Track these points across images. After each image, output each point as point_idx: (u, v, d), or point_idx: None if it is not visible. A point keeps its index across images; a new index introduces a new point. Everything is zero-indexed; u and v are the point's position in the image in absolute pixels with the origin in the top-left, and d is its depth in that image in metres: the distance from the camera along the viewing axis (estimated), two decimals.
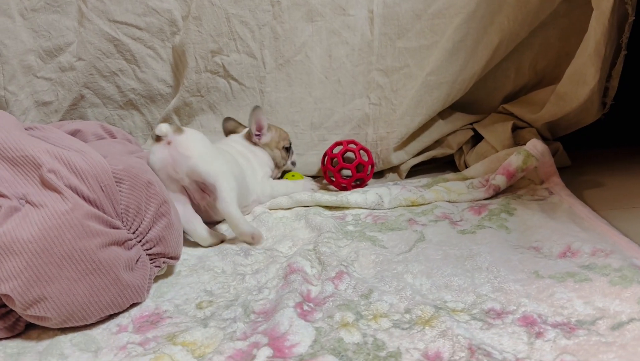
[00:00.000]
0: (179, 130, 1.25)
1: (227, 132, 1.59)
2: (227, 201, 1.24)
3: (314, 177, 1.72)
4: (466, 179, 1.53)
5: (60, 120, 1.70)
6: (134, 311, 1.03)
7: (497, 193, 1.39)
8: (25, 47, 1.61)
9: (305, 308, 0.97)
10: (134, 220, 1.04)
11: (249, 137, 1.55)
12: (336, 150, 1.58)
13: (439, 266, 1.07)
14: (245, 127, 1.58)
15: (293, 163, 1.64)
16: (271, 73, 1.68)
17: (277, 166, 1.59)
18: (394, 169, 1.70)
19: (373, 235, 1.25)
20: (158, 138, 1.23)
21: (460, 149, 1.68)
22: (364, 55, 1.64)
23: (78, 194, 0.96)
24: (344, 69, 1.66)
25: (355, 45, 1.64)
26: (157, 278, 1.14)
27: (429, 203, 1.39)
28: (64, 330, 0.98)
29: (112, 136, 1.52)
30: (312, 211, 1.41)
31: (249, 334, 0.92)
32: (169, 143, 1.23)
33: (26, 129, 1.19)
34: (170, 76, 1.71)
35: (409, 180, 1.64)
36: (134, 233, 1.04)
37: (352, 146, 1.57)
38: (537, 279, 0.98)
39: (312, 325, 0.91)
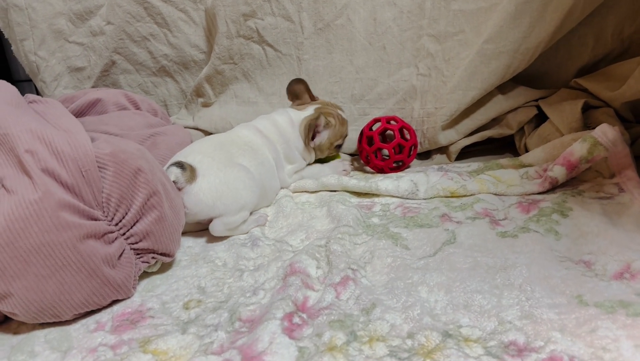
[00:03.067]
0: (191, 177, 1.13)
1: (292, 97, 1.44)
2: (219, 231, 1.15)
3: (352, 155, 1.57)
4: (523, 166, 1.31)
5: (92, 87, 1.64)
6: (117, 308, 0.95)
7: (553, 187, 1.17)
8: (55, 10, 1.55)
9: (295, 320, 0.85)
10: (117, 211, 0.94)
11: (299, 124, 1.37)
12: (374, 127, 1.42)
13: (463, 279, 0.90)
14: (313, 99, 1.43)
15: (338, 146, 1.47)
16: (309, 39, 1.52)
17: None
18: (443, 150, 1.50)
19: (397, 232, 1.09)
20: None
21: (522, 129, 1.45)
22: (413, 19, 1.44)
23: (55, 179, 0.88)
24: (390, 35, 1.47)
25: (404, 7, 1.44)
26: (160, 268, 1.05)
27: (471, 195, 1.20)
28: (42, 324, 0.91)
29: (136, 106, 1.44)
30: (337, 197, 1.26)
31: (225, 348, 0.81)
32: (180, 190, 1.12)
33: (30, 103, 1.13)
34: (204, 41, 1.60)
35: (457, 163, 1.44)
36: (116, 225, 0.94)
37: (392, 123, 1.40)
38: (579, 307, 0.79)
39: (296, 343, 0.80)
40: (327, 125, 1.35)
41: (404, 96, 1.48)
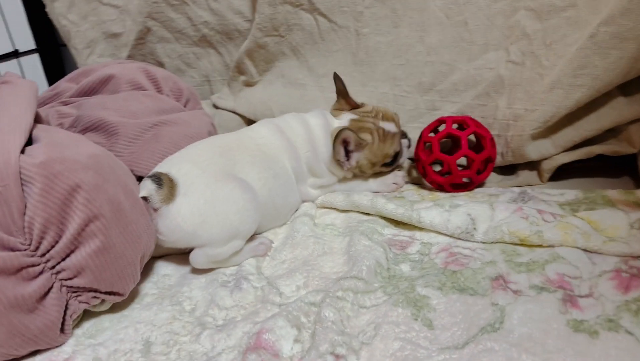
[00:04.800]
0: (169, 195, 0.87)
1: (340, 92, 1.13)
2: (200, 264, 0.91)
3: (413, 160, 1.23)
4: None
5: (128, 57, 1.45)
6: (39, 360, 0.75)
7: None
8: None
9: None
10: (43, 238, 0.73)
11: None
12: (437, 130, 1.08)
13: None
14: (353, 105, 1.12)
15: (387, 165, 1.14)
16: (371, 7, 1.19)
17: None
18: (533, 165, 1.12)
19: (425, 295, 0.78)
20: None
21: None
22: None
23: None
24: (475, 6, 1.10)
25: None
26: (116, 303, 0.85)
27: (549, 247, 0.84)
28: None
29: (157, 84, 1.23)
30: (365, 225, 0.96)
31: None
32: (155, 210, 0.88)
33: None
34: (249, 7, 1.32)
35: (547, 188, 1.06)
36: (42, 256, 0.74)
37: (460, 126, 1.06)
38: None
39: None
40: (359, 145, 1.04)
41: (486, 88, 1.11)
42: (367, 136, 1.05)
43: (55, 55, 1.62)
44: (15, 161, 0.73)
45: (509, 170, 1.15)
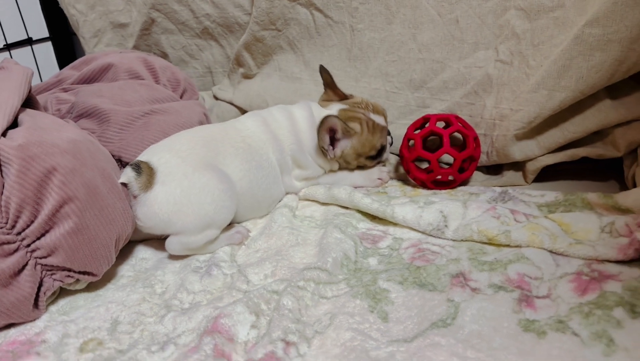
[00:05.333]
0: (148, 183, 0.90)
1: (326, 83, 1.15)
2: (175, 250, 0.94)
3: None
4: (619, 209, 0.91)
5: (133, 47, 1.49)
6: (13, 332, 0.80)
7: None
8: None
9: None
10: (18, 218, 0.77)
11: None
12: (422, 128, 1.09)
13: None
14: (342, 97, 1.15)
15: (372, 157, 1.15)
16: (365, 4, 1.20)
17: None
18: (518, 166, 1.11)
19: (385, 288, 0.79)
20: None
21: (634, 152, 1.01)
22: None
23: None
24: (467, 4, 1.10)
25: None
26: (92, 283, 0.88)
27: (516, 247, 0.85)
28: None
29: (154, 74, 1.26)
30: (341, 219, 0.98)
31: None
32: (134, 197, 0.91)
33: None
34: (248, 0, 1.35)
35: (529, 189, 1.06)
36: (18, 234, 0.77)
37: (444, 124, 1.06)
38: None
39: None
40: (347, 133, 1.05)
41: (475, 87, 1.11)
42: (356, 126, 1.06)
43: (67, 44, 1.68)
44: None
45: (495, 170, 1.15)
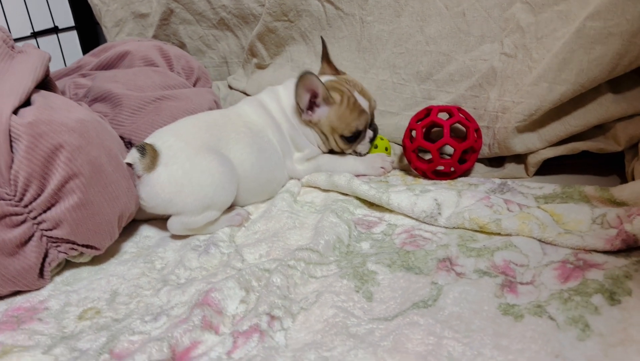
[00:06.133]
0: (151, 164, 0.94)
1: (323, 57, 1.19)
2: (176, 230, 0.98)
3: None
4: (615, 203, 0.91)
5: (153, 36, 1.54)
6: (19, 299, 0.86)
7: (628, 248, 0.77)
8: None
9: None
10: (26, 191, 0.82)
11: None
12: (423, 119, 1.10)
13: None
14: (335, 72, 1.18)
15: (374, 131, 1.18)
16: None
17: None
18: (521, 159, 1.12)
19: (373, 270, 0.82)
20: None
21: (635, 147, 1.01)
22: None
23: None
24: None
25: None
26: (97, 257, 0.93)
27: (506, 235, 0.86)
28: None
29: (169, 62, 1.31)
30: (339, 205, 1.00)
31: None
32: (138, 177, 0.96)
33: (18, 52, 1.04)
34: None
35: (528, 181, 1.06)
36: (25, 206, 0.82)
37: (443, 115, 1.07)
38: None
39: None
40: (327, 100, 1.07)
41: (480, 80, 1.12)
42: (336, 96, 1.08)
43: (92, 33, 1.74)
44: (6, 120, 0.81)
45: (497, 162, 1.16)
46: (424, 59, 1.19)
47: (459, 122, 1.06)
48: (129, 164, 0.95)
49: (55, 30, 1.63)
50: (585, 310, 0.67)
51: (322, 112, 1.08)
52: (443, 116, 1.08)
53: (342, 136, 1.10)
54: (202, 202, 0.94)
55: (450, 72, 1.17)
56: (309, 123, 1.09)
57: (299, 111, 1.07)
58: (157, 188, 0.94)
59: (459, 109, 1.08)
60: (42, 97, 0.91)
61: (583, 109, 1.02)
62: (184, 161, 0.95)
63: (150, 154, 0.94)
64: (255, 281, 0.81)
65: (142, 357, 0.67)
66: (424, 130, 1.07)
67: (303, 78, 1.02)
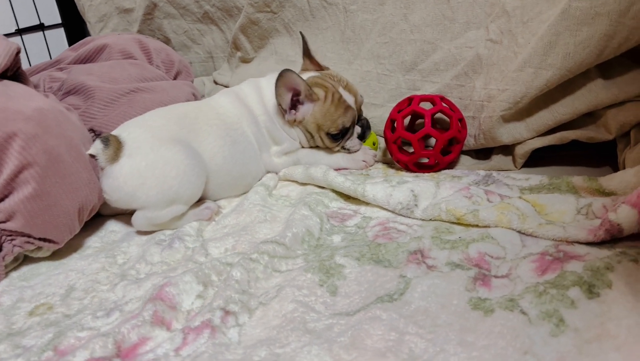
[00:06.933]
0: (114, 155, 0.90)
1: (305, 53, 1.14)
2: (141, 226, 0.94)
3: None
4: (604, 193, 0.86)
5: (137, 31, 1.50)
6: None
7: (613, 239, 0.72)
8: None
9: None
10: None
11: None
12: (403, 108, 1.05)
13: None
14: (319, 67, 1.13)
15: (360, 137, 1.12)
16: None
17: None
18: (508, 150, 1.06)
19: (341, 264, 0.77)
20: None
21: (627, 134, 0.95)
22: None
23: None
24: None
25: None
26: (57, 252, 0.89)
27: (485, 227, 0.80)
28: None
29: (148, 55, 1.27)
30: (313, 198, 0.96)
31: None
32: (102, 169, 0.92)
33: None
34: None
35: (515, 172, 1.01)
36: None
37: (425, 104, 1.03)
38: None
39: None
40: (310, 97, 1.02)
41: (465, 68, 1.07)
42: (320, 92, 1.02)
43: (79, 30, 1.71)
44: None
45: (485, 154, 1.10)
46: (408, 48, 1.15)
47: (442, 111, 1.01)
48: (93, 156, 0.91)
49: (41, 27, 1.61)
50: (560, 304, 0.62)
51: (306, 110, 1.03)
52: (426, 105, 1.03)
53: (328, 134, 1.05)
54: (167, 195, 0.90)
55: (435, 61, 1.12)
56: (293, 123, 1.04)
57: (282, 111, 1.03)
58: (120, 181, 0.90)
59: (442, 98, 1.03)
60: (3, 87, 0.88)
61: (572, 96, 0.97)
62: (148, 152, 0.91)
63: (114, 145, 0.91)
64: (216, 275, 0.77)
65: (84, 353, 0.63)
66: (406, 121, 1.02)
67: (282, 77, 0.97)
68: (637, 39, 0.88)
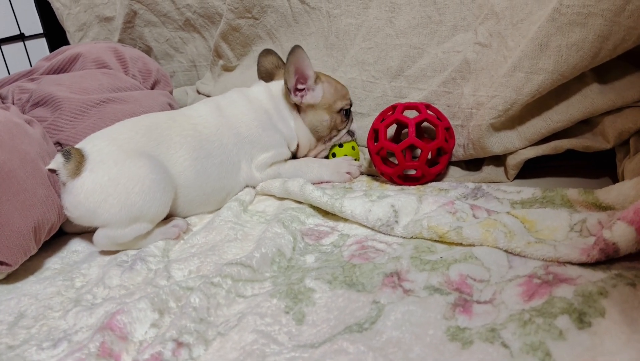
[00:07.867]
0: (76, 170, 0.84)
1: (263, 74, 1.12)
2: (102, 245, 0.88)
3: None
4: (600, 207, 0.79)
5: (118, 40, 1.45)
6: None
7: (608, 259, 0.65)
8: None
9: None
10: None
11: (281, 93, 1.06)
12: (386, 117, 0.99)
13: None
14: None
15: (351, 133, 1.09)
16: None
17: (320, 138, 1.07)
18: (499, 161, 0.99)
19: (311, 288, 0.70)
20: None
21: (626, 143, 0.88)
22: None
23: None
24: None
25: None
26: (13, 274, 0.83)
27: (469, 245, 0.74)
28: None
29: (124, 64, 1.22)
30: (289, 213, 0.89)
31: None
32: (63, 185, 0.86)
33: None
34: None
35: (506, 185, 0.94)
36: None
37: (410, 113, 0.96)
38: None
39: None
40: (319, 79, 1.03)
41: (453, 73, 1.01)
42: (322, 77, 1.05)
43: (61, 40, 1.67)
44: None
45: (476, 165, 1.04)
46: (394, 53, 1.09)
47: (427, 120, 0.94)
48: (54, 171, 0.86)
49: (21, 37, 1.57)
50: (547, 335, 0.55)
51: (317, 93, 1.03)
52: (410, 114, 0.97)
53: (341, 110, 1.06)
54: (130, 212, 0.84)
55: (422, 66, 1.06)
56: (306, 108, 1.04)
57: (288, 90, 1.02)
58: (81, 197, 0.84)
59: (428, 106, 0.97)
60: None
61: (566, 102, 0.90)
62: (112, 166, 0.85)
63: (75, 159, 0.85)
64: (174, 301, 0.71)
65: None
66: (391, 130, 0.96)
67: (294, 51, 0.97)
68: (635, 39, 0.81)
